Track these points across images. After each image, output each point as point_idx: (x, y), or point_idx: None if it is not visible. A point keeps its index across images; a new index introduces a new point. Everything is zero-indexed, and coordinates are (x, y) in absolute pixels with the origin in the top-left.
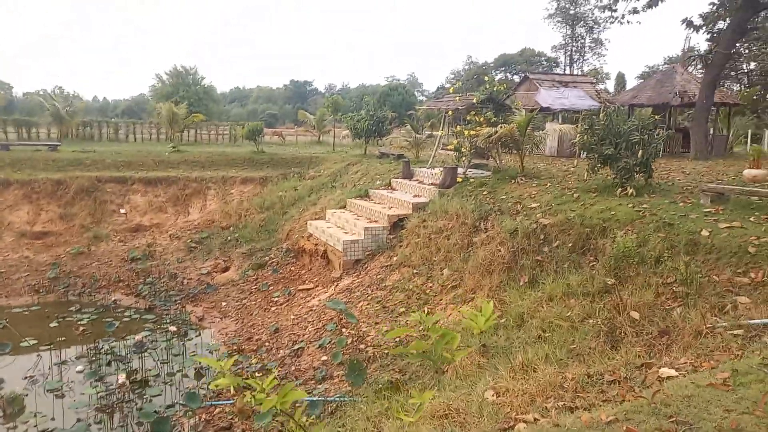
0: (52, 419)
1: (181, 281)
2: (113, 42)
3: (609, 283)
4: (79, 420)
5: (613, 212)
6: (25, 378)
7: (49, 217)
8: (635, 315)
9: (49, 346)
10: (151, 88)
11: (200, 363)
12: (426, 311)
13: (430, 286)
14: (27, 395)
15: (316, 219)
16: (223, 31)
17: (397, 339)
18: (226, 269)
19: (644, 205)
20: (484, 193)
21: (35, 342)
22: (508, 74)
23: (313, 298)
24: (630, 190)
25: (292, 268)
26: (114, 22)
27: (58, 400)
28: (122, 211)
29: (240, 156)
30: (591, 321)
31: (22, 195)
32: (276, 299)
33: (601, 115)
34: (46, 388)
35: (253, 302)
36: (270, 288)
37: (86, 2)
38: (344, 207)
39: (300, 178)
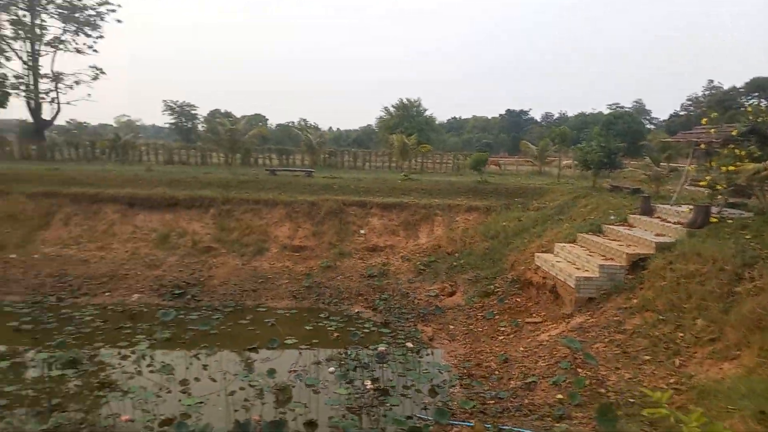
0: (308, 411)
1: (411, 300)
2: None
3: None
4: (332, 417)
5: None
6: (290, 371)
7: (305, 234)
8: None
9: (307, 347)
10: (378, 119)
11: (433, 381)
12: (677, 363)
13: (681, 336)
14: (294, 386)
15: (542, 252)
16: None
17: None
18: (452, 293)
19: None
20: (747, 236)
21: (296, 341)
22: (763, 101)
23: (543, 332)
24: None
25: (518, 300)
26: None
27: (314, 395)
28: (362, 231)
29: (464, 185)
30: None
31: (285, 214)
32: (503, 329)
33: None
34: (306, 382)
35: (480, 329)
36: (496, 317)
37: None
38: (574, 241)
39: (524, 208)
